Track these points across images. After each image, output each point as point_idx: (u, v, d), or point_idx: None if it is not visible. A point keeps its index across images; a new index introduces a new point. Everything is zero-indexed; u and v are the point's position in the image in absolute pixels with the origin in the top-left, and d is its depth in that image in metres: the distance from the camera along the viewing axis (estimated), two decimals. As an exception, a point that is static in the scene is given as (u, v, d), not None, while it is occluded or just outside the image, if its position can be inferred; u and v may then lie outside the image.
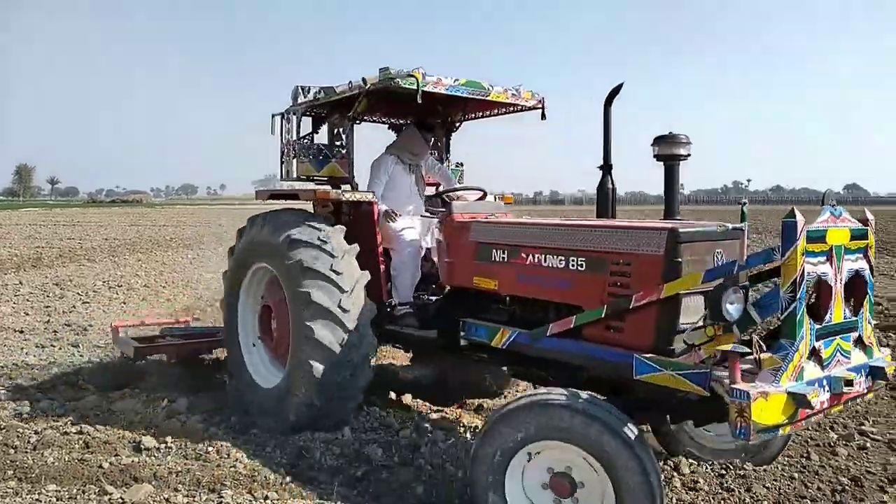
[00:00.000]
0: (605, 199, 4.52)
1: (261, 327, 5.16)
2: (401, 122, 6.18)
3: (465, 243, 4.38)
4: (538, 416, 3.01)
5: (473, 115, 6.05)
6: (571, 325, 3.64)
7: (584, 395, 3.02)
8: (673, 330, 3.34)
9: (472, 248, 4.32)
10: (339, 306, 4.37)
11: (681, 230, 3.30)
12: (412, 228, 5.18)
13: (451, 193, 5.39)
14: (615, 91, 4.33)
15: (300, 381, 4.42)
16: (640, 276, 3.46)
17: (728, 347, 2.82)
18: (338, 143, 5.44)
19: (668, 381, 3.21)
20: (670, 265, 3.31)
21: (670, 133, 4.09)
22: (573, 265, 3.79)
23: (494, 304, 4.36)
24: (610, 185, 4.49)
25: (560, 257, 3.86)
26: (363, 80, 4.67)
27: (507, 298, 4.25)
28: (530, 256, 4.02)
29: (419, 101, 4.50)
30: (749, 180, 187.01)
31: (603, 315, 3.49)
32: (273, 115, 5.34)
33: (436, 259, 5.05)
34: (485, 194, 5.27)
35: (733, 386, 2.73)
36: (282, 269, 4.64)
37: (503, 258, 4.16)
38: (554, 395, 3.04)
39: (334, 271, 4.42)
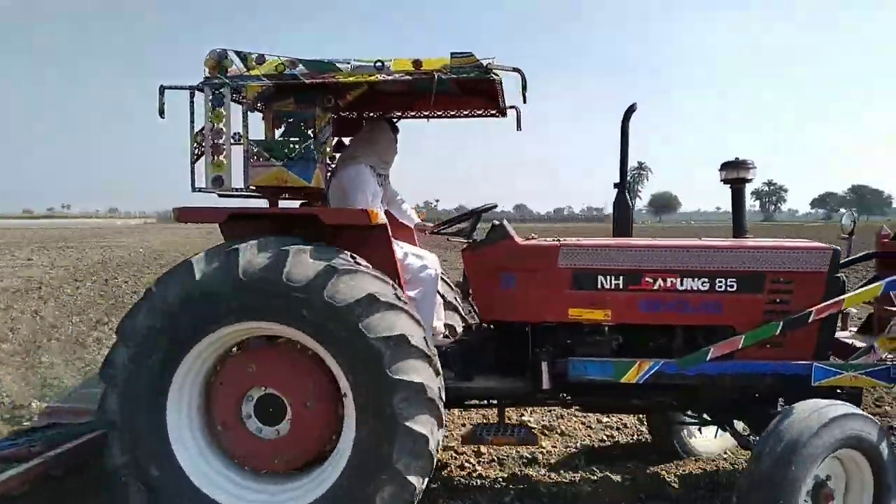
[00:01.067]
0: (626, 217, 4.39)
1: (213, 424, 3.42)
2: (363, 118, 4.76)
3: (551, 271, 3.83)
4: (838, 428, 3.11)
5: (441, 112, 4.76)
6: (740, 346, 3.64)
7: (845, 405, 3.30)
8: (831, 338, 3.84)
9: (564, 275, 3.82)
10: (432, 385, 3.18)
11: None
12: (422, 256, 4.30)
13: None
14: (630, 110, 4.17)
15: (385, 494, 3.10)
16: (802, 292, 3.71)
17: None
18: (294, 141, 3.64)
19: (849, 382, 3.64)
20: (833, 281, 3.72)
21: (737, 158, 4.22)
22: (721, 286, 3.79)
23: (591, 338, 3.89)
24: (628, 203, 4.39)
25: (704, 280, 3.80)
26: (415, 62, 3.50)
27: (607, 329, 3.89)
28: (659, 281, 3.83)
29: (525, 101, 3.76)
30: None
31: (778, 332, 3.61)
32: (165, 88, 3.59)
33: (451, 293, 4.58)
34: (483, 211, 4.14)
35: None
36: (327, 337, 3.13)
37: (617, 285, 3.82)
38: (839, 407, 3.21)
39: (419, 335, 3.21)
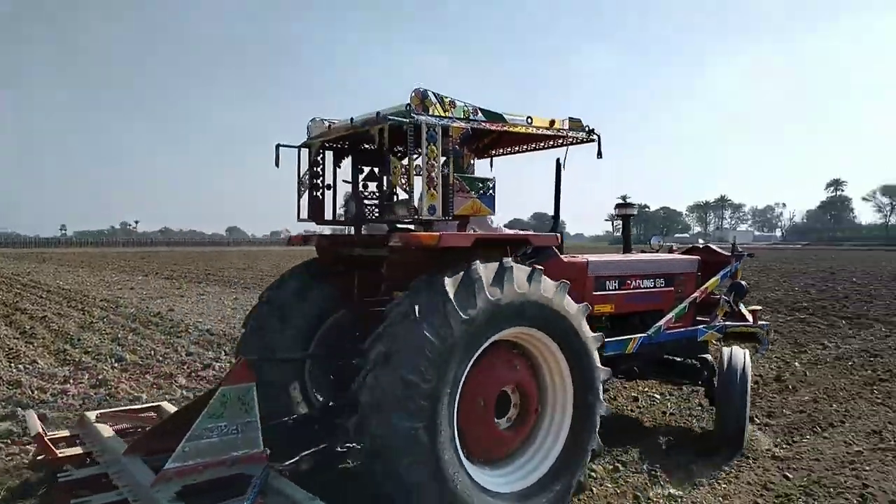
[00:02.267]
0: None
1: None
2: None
3: (585, 279, 5.49)
4: None
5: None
6: (674, 320, 6.09)
7: None
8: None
9: (591, 282, 5.55)
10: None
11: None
12: None
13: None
14: (559, 165, 5.53)
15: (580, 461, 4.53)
16: (688, 285, 6.48)
17: (753, 308, 7.18)
18: (483, 178, 4.66)
19: (708, 336, 6.43)
20: (699, 277, 6.65)
21: (625, 198, 7.26)
22: (658, 284, 6.19)
23: (600, 324, 5.58)
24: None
25: (651, 280, 6.13)
26: (551, 121, 5.07)
27: (607, 318, 5.77)
28: (635, 282, 5.99)
29: (600, 157, 5.34)
30: (137, 221, 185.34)
31: (686, 310, 6.23)
32: (280, 146, 5.02)
33: None
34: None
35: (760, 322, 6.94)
36: (558, 332, 4.36)
37: (615, 286, 5.78)
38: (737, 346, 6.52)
39: None
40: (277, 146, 5.11)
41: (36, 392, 8.05)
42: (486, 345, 4.04)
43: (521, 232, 4.88)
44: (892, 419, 6.96)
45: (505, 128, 4.73)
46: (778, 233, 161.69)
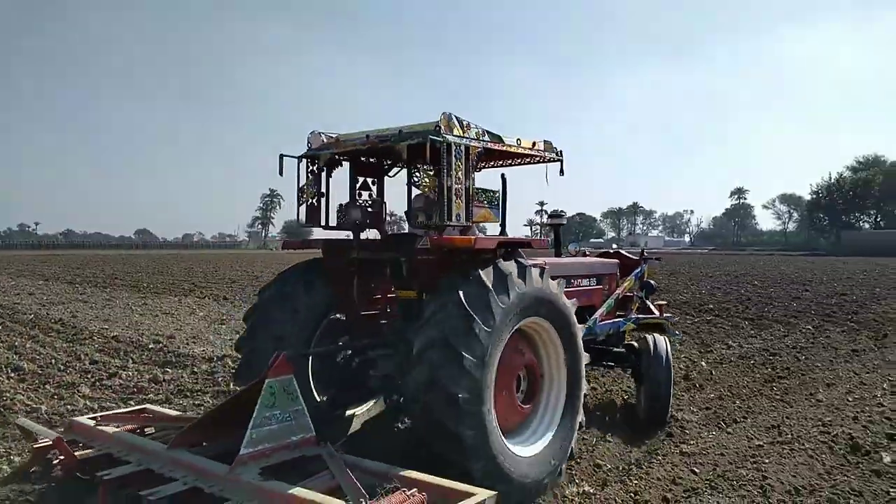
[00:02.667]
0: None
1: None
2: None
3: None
4: None
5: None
6: (605, 314, 7.33)
7: None
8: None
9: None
10: None
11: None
12: None
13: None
14: (504, 179, 5.84)
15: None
16: (612, 283, 7.77)
17: (659, 303, 8.68)
18: (492, 190, 5.56)
19: (628, 327, 7.81)
20: (619, 277, 7.93)
21: (557, 210, 8.32)
22: (592, 283, 7.49)
23: None
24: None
25: (588, 279, 7.43)
26: (534, 143, 5.98)
27: None
28: (577, 281, 7.23)
29: (562, 174, 6.28)
30: (38, 223, 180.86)
31: (612, 305, 7.51)
32: (283, 156, 5.60)
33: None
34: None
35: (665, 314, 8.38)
36: (559, 323, 5.38)
37: (564, 286, 6.18)
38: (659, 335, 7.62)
39: None
40: (281, 156, 5.61)
41: (-80, 406, 7.44)
42: (513, 330, 4.86)
43: (524, 238, 6.11)
44: (789, 414, 7.38)
45: (503, 147, 5.57)
46: (687, 238, 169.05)
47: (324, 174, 5.88)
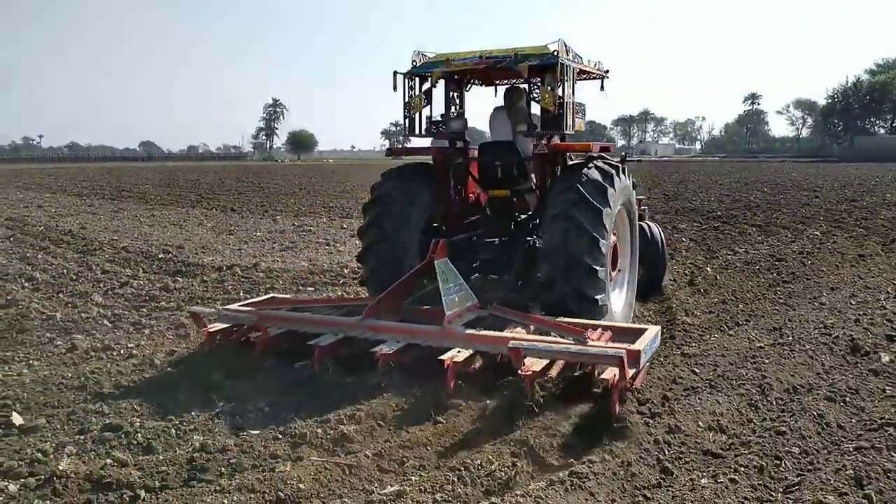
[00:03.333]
0: None
1: None
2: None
3: None
4: None
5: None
6: None
7: None
8: None
9: None
10: None
11: None
12: None
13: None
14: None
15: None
16: None
17: (640, 197, 8.56)
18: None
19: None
20: None
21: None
22: None
23: None
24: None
25: None
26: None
27: None
28: None
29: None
30: (41, 136, 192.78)
31: None
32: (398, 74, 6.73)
33: None
34: None
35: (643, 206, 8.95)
36: (630, 210, 7.12)
37: None
38: None
39: None
40: (395, 73, 6.67)
41: (-61, 314, 7.62)
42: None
43: (607, 143, 7.48)
44: (792, 317, 7.47)
45: (587, 68, 6.94)
46: (698, 146, 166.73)
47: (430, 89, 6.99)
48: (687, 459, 4.09)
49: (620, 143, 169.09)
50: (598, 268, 5.77)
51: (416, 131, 6.99)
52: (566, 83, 6.20)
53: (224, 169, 67.16)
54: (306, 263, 11.00)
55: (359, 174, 46.45)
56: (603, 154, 6.69)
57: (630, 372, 4.71)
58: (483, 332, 5.27)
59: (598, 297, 5.84)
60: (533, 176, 7.03)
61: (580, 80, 7.13)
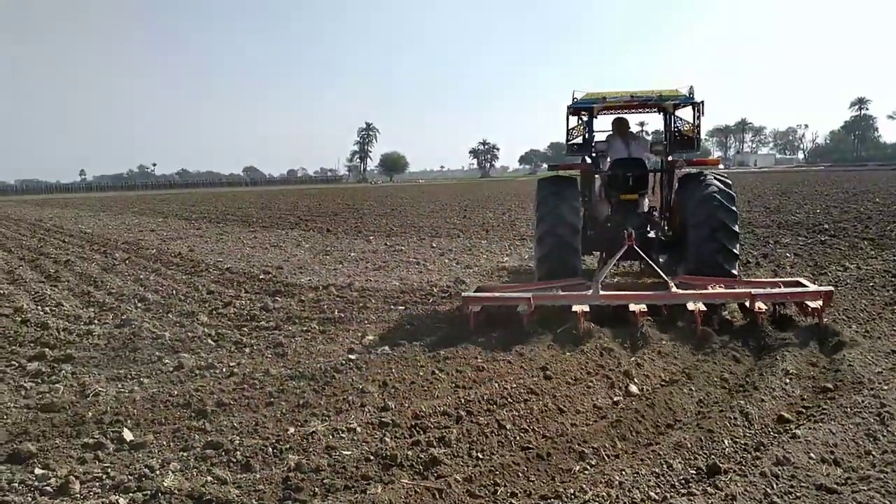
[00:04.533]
0: None
1: None
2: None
3: None
4: None
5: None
6: None
7: None
8: None
9: None
10: None
11: None
12: None
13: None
14: None
15: None
16: None
17: None
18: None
19: None
20: None
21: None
22: None
23: None
24: None
25: None
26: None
27: None
28: None
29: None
30: (155, 164, 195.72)
31: None
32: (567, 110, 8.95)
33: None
34: None
35: None
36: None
37: None
38: None
39: None
40: (568, 107, 8.82)
41: (62, 333, 8.23)
42: None
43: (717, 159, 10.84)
44: (913, 338, 6.90)
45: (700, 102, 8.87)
46: (801, 155, 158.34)
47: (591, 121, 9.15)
48: (798, 494, 3.82)
49: (717, 153, 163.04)
50: (737, 230, 8.05)
51: (568, 152, 9.27)
52: (699, 117, 8.69)
53: (321, 192, 69.48)
54: (397, 283, 11.18)
55: (447, 192, 46.82)
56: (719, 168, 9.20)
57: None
58: (716, 290, 7.41)
59: (737, 251, 8.08)
60: (652, 184, 9.58)
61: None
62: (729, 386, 5.72)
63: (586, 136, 9.03)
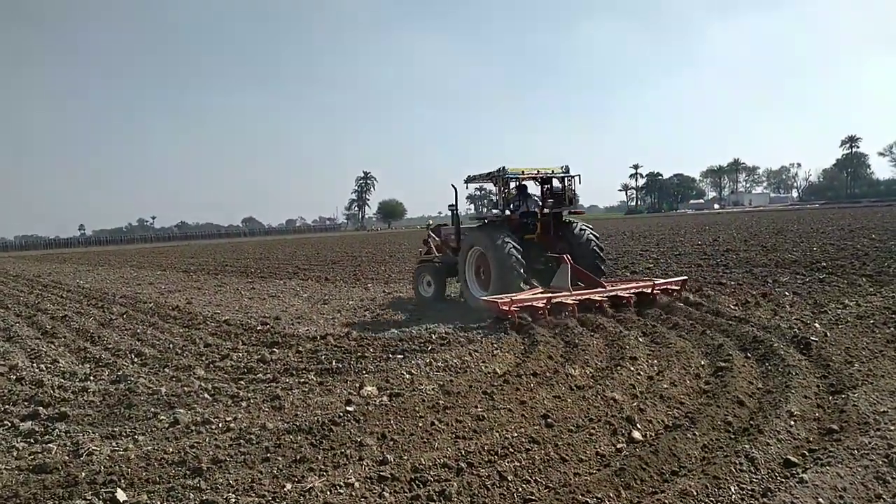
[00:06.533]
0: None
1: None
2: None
3: None
4: None
5: None
6: None
7: None
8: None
9: None
10: None
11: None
12: None
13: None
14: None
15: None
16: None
17: None
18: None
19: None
20: None
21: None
22: None
23: None
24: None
25: None
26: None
27: None
28: None
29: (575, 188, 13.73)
30: (154, 217, 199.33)
31: None
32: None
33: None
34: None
35: None
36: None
37: None
38: None
39: None
40: (496, 177, 13.24)
41: (57, 391, 8.13)
42: None
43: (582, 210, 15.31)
44: (917, 376, 6.83)
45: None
46: (794, 193, 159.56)
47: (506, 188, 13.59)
48: (807, 541, 3.72)
49: (711, 194, 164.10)
50: (603, 256, 13.52)
51: (500, 212, 13.30)
52: (573, 182, 13.47)
53: (319, 240, 69.57)
54: (395, 331, 11.11)
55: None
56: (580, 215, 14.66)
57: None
58: (631, 284, 12.50)
59: (604, 267, 13.48)
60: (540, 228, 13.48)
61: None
62: (733, 429, 5.63)
63: (511, 200, 13.68)
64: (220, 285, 22.42)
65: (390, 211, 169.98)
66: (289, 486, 4.73)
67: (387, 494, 4.55)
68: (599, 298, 11.32)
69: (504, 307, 10.61)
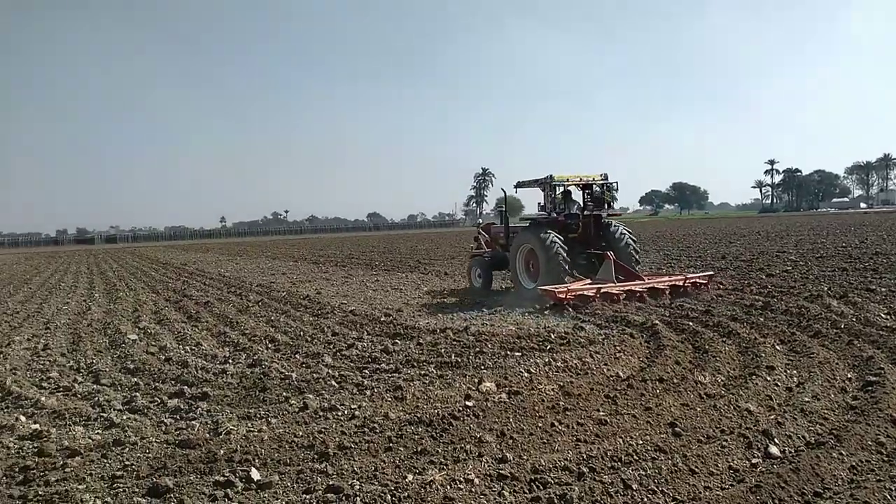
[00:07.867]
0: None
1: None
2: None
3: None
4: None
5: None
6: None
7: None
8: None
9: None
10: None
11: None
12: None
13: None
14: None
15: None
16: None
17: None
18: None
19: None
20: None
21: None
22: None
23: None
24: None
25: None
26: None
27: None
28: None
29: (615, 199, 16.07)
30: (287, 211, 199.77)
31: None
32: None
33: None
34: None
35: None
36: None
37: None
38: None
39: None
40: (544, 184, 15.41)
41: (200, 372, 8.75)
42: None
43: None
44: None
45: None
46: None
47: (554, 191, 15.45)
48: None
49: (857, 192, 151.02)
50: (638, 256, 15.21)
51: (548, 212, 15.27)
52: (614, 188, 15.43)
53: (438, 235, 70.73)
54: (513, 327, 11.05)
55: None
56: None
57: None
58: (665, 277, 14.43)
59: (638, 266, 14.93)
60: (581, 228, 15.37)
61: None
62: (886, 451, 5.13)
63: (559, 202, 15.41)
64: (347, 277, 23.30)
65: (508, 207, 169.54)
66: (410, 476, 4.82)
67: (506, 493, 4.52)
68: (640, 290, 13.14)
69: (561, 295, 12.61)
